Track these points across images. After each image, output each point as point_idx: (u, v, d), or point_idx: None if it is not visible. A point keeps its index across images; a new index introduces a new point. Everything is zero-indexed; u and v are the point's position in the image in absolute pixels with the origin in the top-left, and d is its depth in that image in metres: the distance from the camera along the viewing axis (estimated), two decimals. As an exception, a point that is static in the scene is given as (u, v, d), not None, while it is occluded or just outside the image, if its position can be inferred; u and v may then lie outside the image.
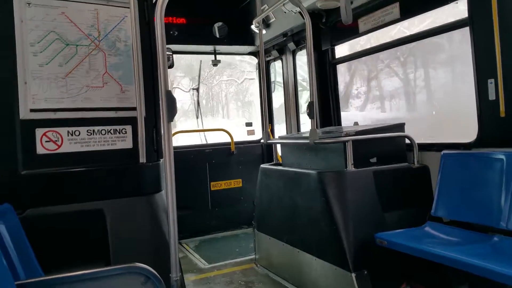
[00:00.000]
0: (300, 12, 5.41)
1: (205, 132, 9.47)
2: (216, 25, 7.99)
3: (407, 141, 5.06)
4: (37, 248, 2.80)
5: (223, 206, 8.27)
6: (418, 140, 5.00)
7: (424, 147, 5.05)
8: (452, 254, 3.44)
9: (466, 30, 4.46)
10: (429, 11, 5.09)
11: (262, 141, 8.22)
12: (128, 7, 3.39)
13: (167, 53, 3.19)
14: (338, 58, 7.00)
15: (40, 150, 3.16)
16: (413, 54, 6.54)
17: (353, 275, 4.19)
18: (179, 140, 8.78)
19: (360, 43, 6.68)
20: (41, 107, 3.18)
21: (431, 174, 4.87)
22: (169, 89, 2.97)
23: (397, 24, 5.58)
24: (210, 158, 8.23)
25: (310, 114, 5.01)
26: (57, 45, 3.24)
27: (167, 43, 3.04)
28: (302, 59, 8.01)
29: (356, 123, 5.89)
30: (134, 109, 3.42)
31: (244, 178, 8.45)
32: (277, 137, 7.61)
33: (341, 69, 7.21)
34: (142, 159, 3.43)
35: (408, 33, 5.52)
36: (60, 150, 3.23)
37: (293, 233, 5.15)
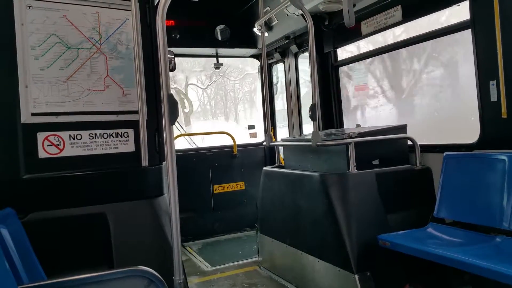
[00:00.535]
0: (302, 15, 5.39)
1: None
2: (218, 28, 7.98)
3: (409, 142, 5.06)
4: (39, 252, 2.79)
5: (226, 208, 8.26)
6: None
7: (426, 148, 5.04)
8: (455, 255, 3.43)
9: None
10: (431, 14, 5.09)
11: (264, 143, 8.21)
12: (130, 10, 3.39)
13: (169, 56, 3.19)
14: (340, 61, 7.01)
15: (42, 154, 3.16)
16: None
17: (356, 276, 4.19)
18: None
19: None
20: (43, 111, 3.18)
21: (433, 175, 4.87)
22: (171, 92, 2.97)
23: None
24: (213, 161, 8.23)
25: (313, 117, 5.01)
26: (58, 49, 3.25)
27: (169, 46, 3.03)
28: (305, 61, 8.01)
29: (358, 125, 5.88)
30: (136, 112, 3.42)
31: (246, 181, 8.44)
32: (280, 140, 7.61)
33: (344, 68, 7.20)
34: (145, 162, 3.43)
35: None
36: (62, 154, 3.23)
37: (296, 235, 5.15)
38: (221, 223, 8.19)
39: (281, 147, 6.98)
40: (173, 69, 4.04)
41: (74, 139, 3.26)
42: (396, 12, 5.43)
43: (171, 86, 21.05)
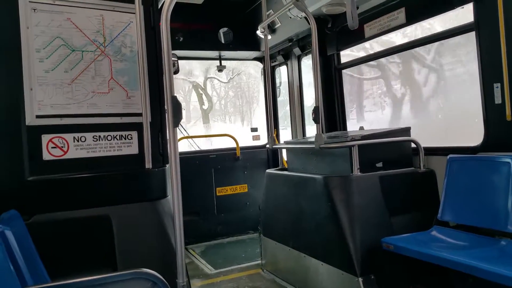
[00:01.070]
0: (305, 17, 5.41)
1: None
2: (221, 31, 8.01)
3: (413, 145, 5.05)
4: (44, 254, 2.79)
5: (229, 211, 8.26)
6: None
7: (430, 151, 5.03)
8: (459, 258, 3.42)
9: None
10: (435, 16, 5.08)
11: (267, 146, 8.21)
12: (134, 13, 3.39)
13: (173, 58, 3.19)
14: (343, 63, 7.00)
15: (46, 156, 3.16)
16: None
17: (360, 279, 4.18)
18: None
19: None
20: (47, 113, 3.18)
21: (437, 178, 4.86)
22: (174, 94, 2.97)
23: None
24: (216, 164, 8.24)
25: (316, 119, 5.02)
26: (62, 51, 3.25)
27: (172, 49, 3.03)
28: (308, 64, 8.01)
29: (361, 128, 5.88)
30: (139, 114, 3.42)
31: (249, 183, 8.45)
32: (283, 142, 7.61)
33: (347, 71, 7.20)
34: (148, 164, 3.43)
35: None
36: (66, 156, 3.23)
37: (299, 238, 5.14)
38: (224, 225, 8.20)
39: (284, 150, 6.98)
40: (176, 71, 4.04)
41: (78, 141, 3.26)
42: (400, 14, 5.42)
43: (189, 80, 20.43)
